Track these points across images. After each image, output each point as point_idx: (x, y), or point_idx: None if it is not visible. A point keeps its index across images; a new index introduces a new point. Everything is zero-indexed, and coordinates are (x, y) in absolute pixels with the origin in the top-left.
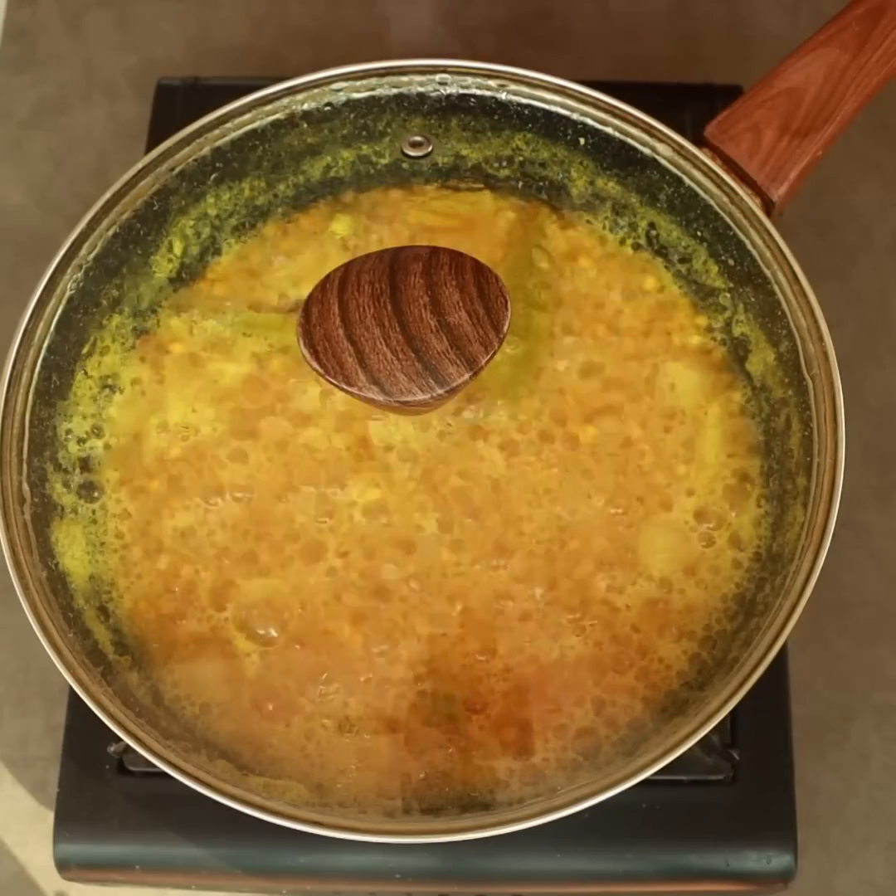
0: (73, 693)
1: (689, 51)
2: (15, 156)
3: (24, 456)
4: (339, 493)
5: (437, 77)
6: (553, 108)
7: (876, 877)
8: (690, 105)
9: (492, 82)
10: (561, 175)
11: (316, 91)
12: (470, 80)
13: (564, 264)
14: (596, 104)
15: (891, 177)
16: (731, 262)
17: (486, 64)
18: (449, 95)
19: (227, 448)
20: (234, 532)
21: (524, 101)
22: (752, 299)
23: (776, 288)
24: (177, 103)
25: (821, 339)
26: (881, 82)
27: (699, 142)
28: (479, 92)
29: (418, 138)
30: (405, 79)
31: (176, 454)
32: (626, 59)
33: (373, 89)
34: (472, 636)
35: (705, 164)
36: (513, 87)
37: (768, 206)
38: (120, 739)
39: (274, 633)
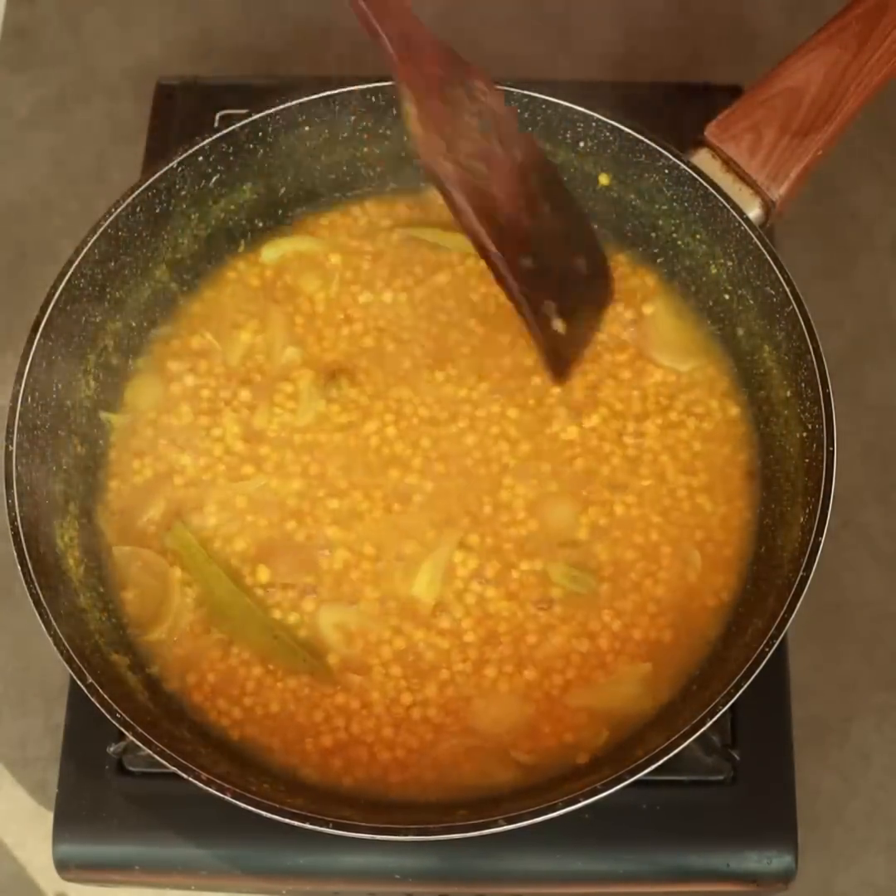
0: (72, 693)
1: (689, 51)
2: (15, 156)
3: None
4: None
5: None
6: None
7: (876, 877)
8: (690, 105)
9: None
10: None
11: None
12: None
13: None
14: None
15: (891, 177)
16: (729, 264)
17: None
18: None
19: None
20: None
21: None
22: (751, 302)
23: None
24: (176, 103)
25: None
26: (882, 81)
27: (699, 141)
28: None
29: None
30: None
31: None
32: (626, 59)
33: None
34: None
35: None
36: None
37: (769, 206)
38: (119, 740)
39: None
